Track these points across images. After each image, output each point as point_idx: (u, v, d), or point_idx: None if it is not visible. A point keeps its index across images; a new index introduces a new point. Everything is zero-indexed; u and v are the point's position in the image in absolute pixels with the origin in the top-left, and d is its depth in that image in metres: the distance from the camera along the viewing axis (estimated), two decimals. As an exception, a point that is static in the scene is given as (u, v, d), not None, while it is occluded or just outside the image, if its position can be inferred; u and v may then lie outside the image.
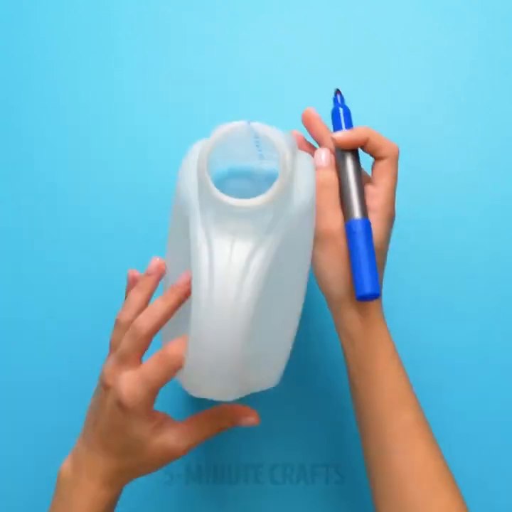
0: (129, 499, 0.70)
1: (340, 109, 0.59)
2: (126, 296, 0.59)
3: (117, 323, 0.57)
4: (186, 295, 0.55)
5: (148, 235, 0.72)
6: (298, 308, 0.59)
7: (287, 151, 0.51)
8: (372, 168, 0.58)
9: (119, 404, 0.54)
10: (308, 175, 0.57)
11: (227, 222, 0.52)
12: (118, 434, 0.55)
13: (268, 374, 0.59)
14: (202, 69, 0.73)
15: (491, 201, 0.71)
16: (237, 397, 0.55)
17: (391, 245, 0.71)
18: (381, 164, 0.57)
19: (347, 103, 0.72)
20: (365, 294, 0.54)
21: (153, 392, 0.54)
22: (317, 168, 0.58)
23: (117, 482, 0.57)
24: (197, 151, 0.59)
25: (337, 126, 0.59)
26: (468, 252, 0.71)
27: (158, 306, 0.55)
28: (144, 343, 0.55)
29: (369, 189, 0.58)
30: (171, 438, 0.56)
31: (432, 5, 0.72)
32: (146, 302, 0.57)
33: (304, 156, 0.59)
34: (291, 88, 0.72)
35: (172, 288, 0.55)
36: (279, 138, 0.52)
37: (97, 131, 0.73)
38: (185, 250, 0.56)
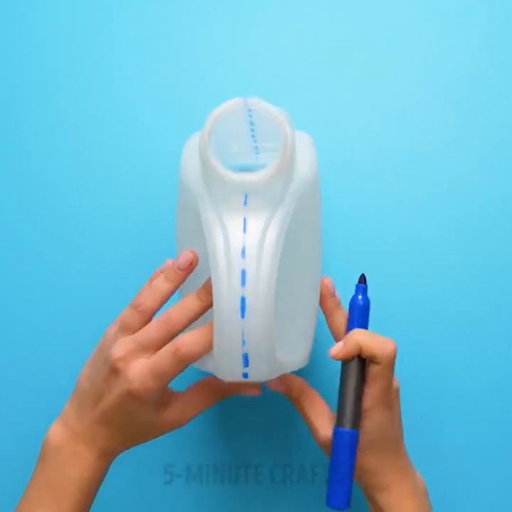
0: (129, 499, 0.70)
1: (359, 301, 0.59)
2: (150, 279, 0.58)
3: (136, 306, 0.56)
4: None
5: (148, 235, 0.72)
6: (317, 278, 0.59)
7: (286, 121, 0.52)
8: (368, 368, 0.57)
9: (131, 394, 0.54)
10: (308, 149, 0.57)
11: (235, 201, 0.52)
12: (125, 416, 0.56)
13: (297, 352, 0.59)
14: (202, 69, 0.73)
15: (491, 202, 0.71)
16: (270, 378, 0.54)
17: (391, 243, 0.71)
18: (376, 369, 0.56)
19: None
20: (331, 506, 0.57)
21: (165, 385, 0.55)
22: None
23: (116, 452, 0.58)
24: (196, 138, 0.59)
25: (350, 322, 0.59)
26: (468, 255, 0.71)
27: (193, 303, 0.55)
28: (171, 338, 0.55)
29: (364, 388, 0.57)
30: (177, 411, 0.57)
31: (432, 5, 0.72)
32: (171, 294, 0.56)
33: (300, 134, 0.59)
34: (292, 88, 0.72)
35: (206, 288, 0.55)
36: (278, 111, 0.52)
37: (97, 131, 0.73)
38: (197, 239, 0.55)
